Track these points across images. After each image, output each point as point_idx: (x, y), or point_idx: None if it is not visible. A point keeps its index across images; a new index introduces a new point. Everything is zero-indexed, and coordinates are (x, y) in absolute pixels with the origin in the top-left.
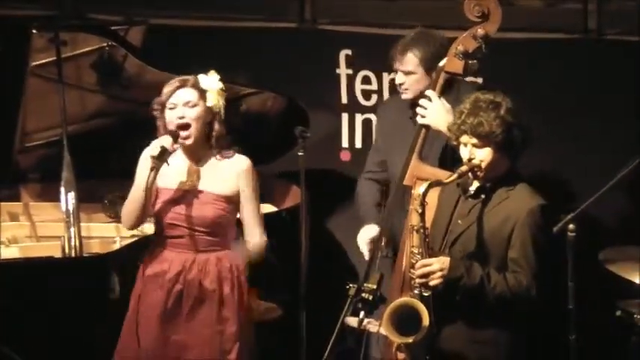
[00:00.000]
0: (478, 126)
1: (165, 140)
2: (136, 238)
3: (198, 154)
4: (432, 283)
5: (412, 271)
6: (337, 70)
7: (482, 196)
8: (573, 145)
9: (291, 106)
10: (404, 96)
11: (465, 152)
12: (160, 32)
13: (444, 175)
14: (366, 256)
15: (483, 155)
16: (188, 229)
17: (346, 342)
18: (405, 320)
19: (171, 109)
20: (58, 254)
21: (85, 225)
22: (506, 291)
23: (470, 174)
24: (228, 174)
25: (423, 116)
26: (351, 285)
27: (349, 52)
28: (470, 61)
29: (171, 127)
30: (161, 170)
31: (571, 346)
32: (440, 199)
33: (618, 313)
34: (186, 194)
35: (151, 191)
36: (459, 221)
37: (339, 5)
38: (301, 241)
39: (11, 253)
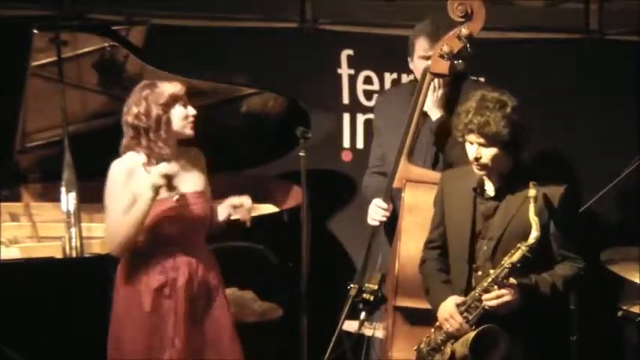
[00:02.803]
0: (485, 126)
1: (165, 168)
2: None
3: (171, 155)
4: (498, 311)
5: (482, 294)
6: (339, 70)
7: (505, 197)
8: (574, 145)
9: (292, 107)
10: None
11: (471, 150)
12: (161, 32)
13: (432, 176)
14: (376, 222)
15: (490, 154)
16: (188, 233)
17: (346, 344)
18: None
19: (184, 105)
20: (58, 255)
21: (86, 225)
22: (571, 283)
23: (476, 169)
24: (198, 169)
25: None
26: (352, 285)
27: (351, 52)
28: (455, 62)
29: (184, 122)
30: (144, 183)
31: (573, 347)
32: (448, 201)
33: (620, 313)
34: (171, 200)
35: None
36: (487, 224)
37: (341, 5)
38: (302, 242)
39: (12, 253)
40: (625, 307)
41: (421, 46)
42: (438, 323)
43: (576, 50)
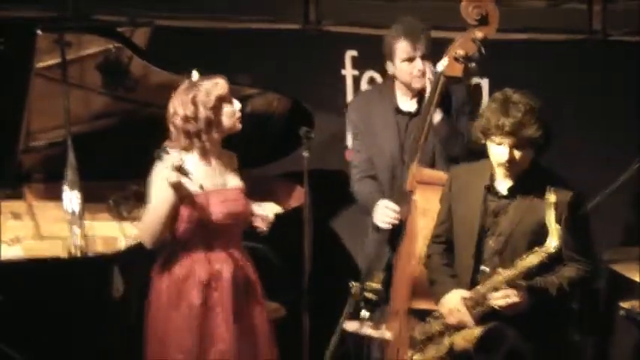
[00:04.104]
0: (521, 127)
1: (175, 160)
2: None
3: (217, 152)
4: (505, 311)
5: (490, 292)
6: (343, 71)
7: (517, 195)
8: (576, 146)
9: (296, 107)
10: (420, 85)
11: (501, 152)
12: (165, 33)
13: (444, 178)
14: (387, 225)
15: (521, 155)
16: (232, 226)
17: (349, 343)
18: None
19: (230, 102)
20: (62, 254)
21: (89, 224)
22: (577, 286)
23: (503, 170)
24: (234, 166)
25: None
26: (353, 284)
27: (355, 53)
28: (469, 64)
29: (233, 119)
30: (194, 175)
31: (574, 347)
32: (457, 197)
33: (621, 313)
34: (222, 193)
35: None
36: (496, 220)
37: (344, 6)
38: (305, 242)
39: (15, 252)
40: (626, 307)
41: (402, 49)
42: (436, 313)
43: (579, 51)
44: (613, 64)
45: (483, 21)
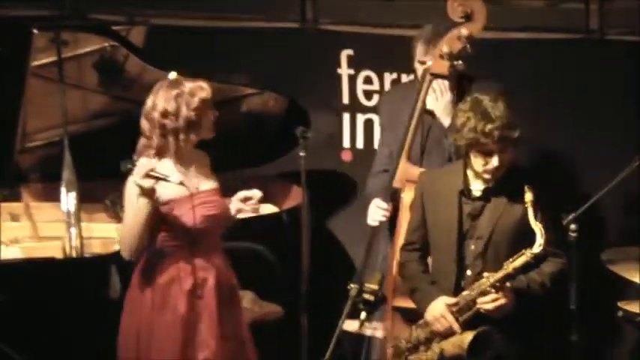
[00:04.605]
0: (507, 128)
1: (148, 164)
2: None
3: (191, 154)
4: (493, 315)
5: (478, 297)
6: (339, 71)
7: (492, 196)
8: (574, 145)
9: (292, 107)
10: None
11: (492, 161)
12: (161, 32)
13: None
14: (375, 222)
15: (505, 158)
16: (211, 230)
17: (347, 344)
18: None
19: (211, 108)
20: (59, 255)
21: (86, 225)
22: (558, 280)
23: (487, 177)
24: (207, 166)
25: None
26: (352, 285)
27: (351, 52)
28: (455, 62)
29: (211, 124)
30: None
31: (573, 347)
32: (430, 203)
33: (620, 313)
34: (198, 197)
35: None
36: (474, 223)
37: (341, 5)
38: (302, 242)
39: (12, 253)
40: (625, 307)
41: (419, 51)
42: (421, 321)
43: (576, 50)
44: (610, 63)
45: (468, 18)
